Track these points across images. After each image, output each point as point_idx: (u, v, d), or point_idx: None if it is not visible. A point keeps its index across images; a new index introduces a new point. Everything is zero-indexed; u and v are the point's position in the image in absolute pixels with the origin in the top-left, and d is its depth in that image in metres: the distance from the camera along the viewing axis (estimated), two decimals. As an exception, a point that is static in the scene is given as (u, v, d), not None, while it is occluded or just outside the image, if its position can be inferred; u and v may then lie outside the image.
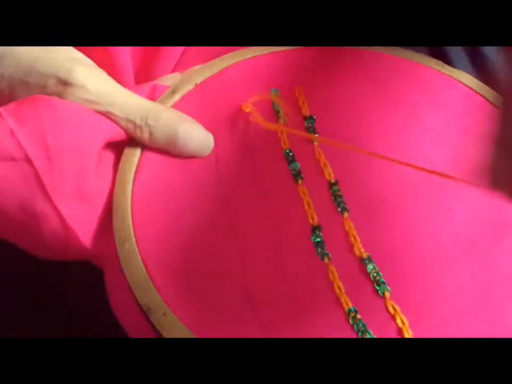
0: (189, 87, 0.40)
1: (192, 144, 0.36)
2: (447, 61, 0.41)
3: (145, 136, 0.35)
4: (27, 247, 0.38)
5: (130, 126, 0.35)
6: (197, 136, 0.36)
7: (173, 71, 0.40)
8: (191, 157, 0.37)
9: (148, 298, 0.31)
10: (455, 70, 0.41)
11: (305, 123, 0.39)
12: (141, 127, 0.35)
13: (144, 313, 0.30)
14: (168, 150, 0.36)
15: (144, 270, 0.32)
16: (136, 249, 0.32)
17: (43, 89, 0.34)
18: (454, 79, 0.40)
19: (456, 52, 0.42)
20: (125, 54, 0.37)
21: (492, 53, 0.42)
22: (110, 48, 0.36)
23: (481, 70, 0.43)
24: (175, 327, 0.30)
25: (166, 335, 0.30)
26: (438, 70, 0.41)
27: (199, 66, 0.41)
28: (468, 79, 0.41)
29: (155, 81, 0.39)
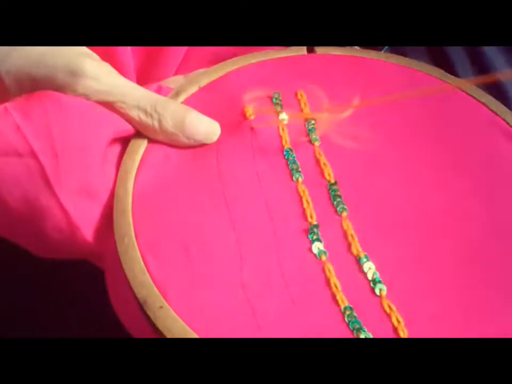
0: (193, 89, 0.41)
1: (200, 129, 0.37)
2: (448, 61, 0.41)
3: (155, 123, 0.36)
4: (30, 245, 0.38)
5: (141, 114, 0.36)
6: (204, 122, 0.37)
7: (176, 73, 0.41)
8: (197, 146, 0.37)
9: (145, 291, 0.31)
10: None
11: (306, 125, 0.39)
12: (151, 115, 0.36)
13: (141, 306, 0.31)
14: (176, 137, 0.37)
15: (142, 264, 0.32)
16: (135, 244, 0.33)
17: (52, 83, 0.34)
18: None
19: (456, 52, 0.42)
20: (127, 55, 0.37)
21: (492, 53, 0.41)
22: (112, 48, 0.36)
23: (481, 70, 0.42)
24: (172, 320, 0.30)
25: (162, 328, 0.30)
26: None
27: (203, 70, 0.42)
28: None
29: (160, 83, 0.40)
